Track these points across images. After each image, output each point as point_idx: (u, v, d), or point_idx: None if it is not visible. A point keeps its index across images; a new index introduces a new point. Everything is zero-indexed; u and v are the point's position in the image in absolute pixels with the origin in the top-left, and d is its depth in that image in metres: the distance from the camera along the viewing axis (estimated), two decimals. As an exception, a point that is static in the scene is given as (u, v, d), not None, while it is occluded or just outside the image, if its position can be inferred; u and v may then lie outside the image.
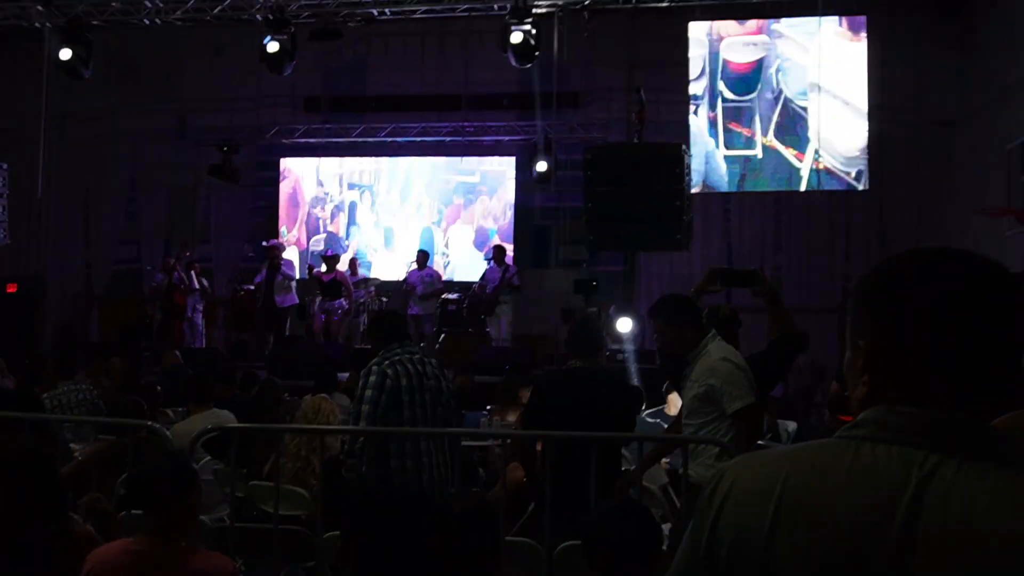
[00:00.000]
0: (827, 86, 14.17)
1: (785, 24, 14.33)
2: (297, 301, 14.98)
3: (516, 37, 12.97)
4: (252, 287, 15.04)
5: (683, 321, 5.03)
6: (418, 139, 16.80)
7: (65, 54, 13.47)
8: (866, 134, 14.06)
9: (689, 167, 11.56)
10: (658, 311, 5.13)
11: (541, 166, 15.20)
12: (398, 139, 16.81)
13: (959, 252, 1.39)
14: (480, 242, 16.82)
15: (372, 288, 15.25)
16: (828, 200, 15.33)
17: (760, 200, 15.63)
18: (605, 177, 11.54)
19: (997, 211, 12.09)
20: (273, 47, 13.54)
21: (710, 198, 15.29)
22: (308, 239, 17.47)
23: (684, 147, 11.71)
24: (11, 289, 17.22)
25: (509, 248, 15.83)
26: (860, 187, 14.25)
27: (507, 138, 16.58)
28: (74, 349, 15.76)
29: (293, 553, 4.94)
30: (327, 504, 4.75)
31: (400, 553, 2.39)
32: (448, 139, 16.78)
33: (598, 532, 3.04)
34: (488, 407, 8.39)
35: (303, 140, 17.20)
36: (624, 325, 11.71)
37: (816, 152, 14.22)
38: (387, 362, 5.08)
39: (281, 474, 5.35)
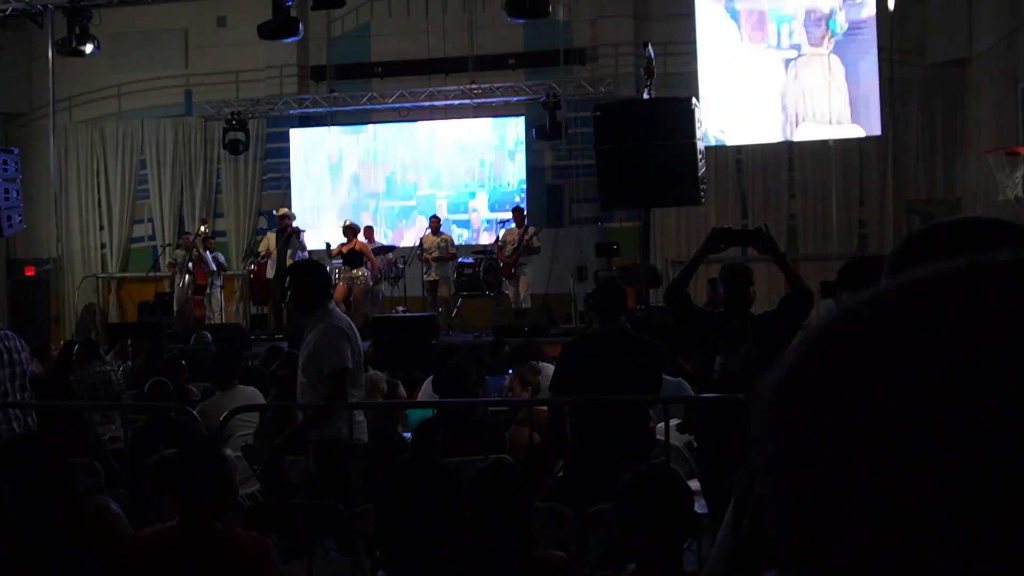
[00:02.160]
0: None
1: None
2: None
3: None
4: (265, 259, 15.03)
5: (308, 285, 5.51)
6: (427, 104, 16.72)
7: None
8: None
9: (700, 120, 11.49)
10: (289, 273, 5.75)
11: (550, 125, 15.12)
12: (406, 104, 16.74)
13: (979, 220, 1.37)
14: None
15: (391, 255, 15.27)
16: (841, 147, 15.26)
17: (772, 150, 15.56)
18: (615, 134, 11.49)
19: (1010, 150, 11.99)
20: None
21: (722, 151, 15.24)
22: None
23: (694, 100, 11.64)
24: (29, 272, 17.34)
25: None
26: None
27: (515, 98, 16.48)
28: (95, 329, 15.87)
29: (326, 526, 4.99)
30: (365, 479, 4.79)
31: (431, 527, 2.42)
32: (456, 102, 16.69)
33: (630, 498, 3.05)
34: (510, 371, 8.39)
35: (312, 110, 17.14)
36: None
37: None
38: None
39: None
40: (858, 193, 15.62)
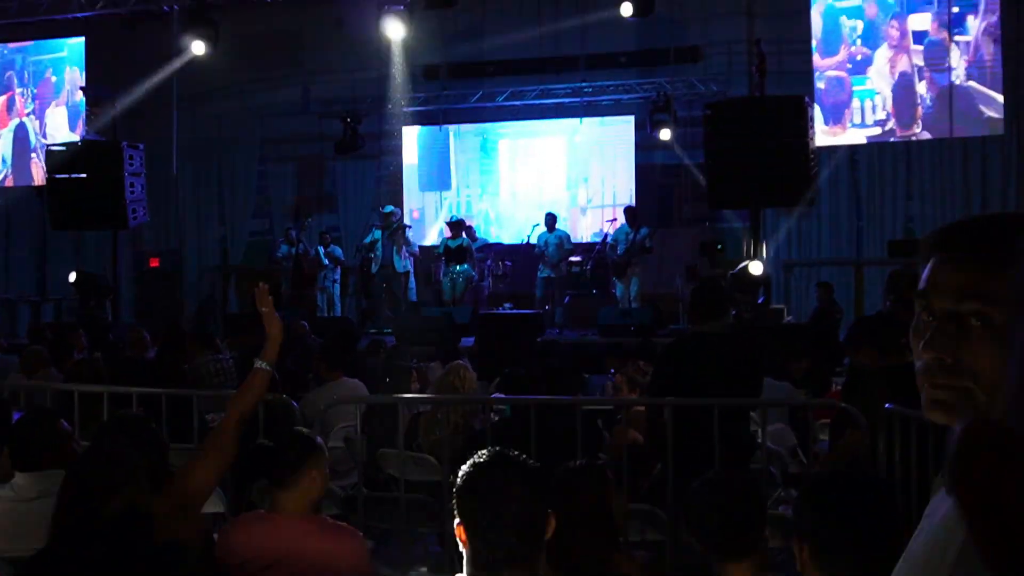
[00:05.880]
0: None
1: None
2: (410, 268, 15.23)
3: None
4: (371, 255, 15.30)
5: None
6: (536, 102, 16.76)
7: (198, 48, 13.84)
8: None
9: (813, 119, 11.27)
10: None
11: (662, 126, 14.95)
12: (517, 103, 16.80)
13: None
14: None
15: (494, 252, 15.35)
16: (961, 145, 14.73)
17: (889, 149, 15.11)
18: (726, 133, 11.35)
19: None
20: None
21: (836, 150, 14.84)
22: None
23: (807, 98, 11.42)
24: (154, 263, 17.97)
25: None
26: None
27: (626, 96, 16.39)
28: (214, 319, 16.37)
29: (421, 519, 5.04)
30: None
31: (520, 521, 2.42)
32: (567, 101, 16.69)
33: (699, 504, 2.99)
34: (612, 371, 8.35)
35: (424, 108, 17.35)
36: (756, 268, 11.38)
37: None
38: None
39: (421, 440, 5.44)
40: (981, 194, 15.04)
